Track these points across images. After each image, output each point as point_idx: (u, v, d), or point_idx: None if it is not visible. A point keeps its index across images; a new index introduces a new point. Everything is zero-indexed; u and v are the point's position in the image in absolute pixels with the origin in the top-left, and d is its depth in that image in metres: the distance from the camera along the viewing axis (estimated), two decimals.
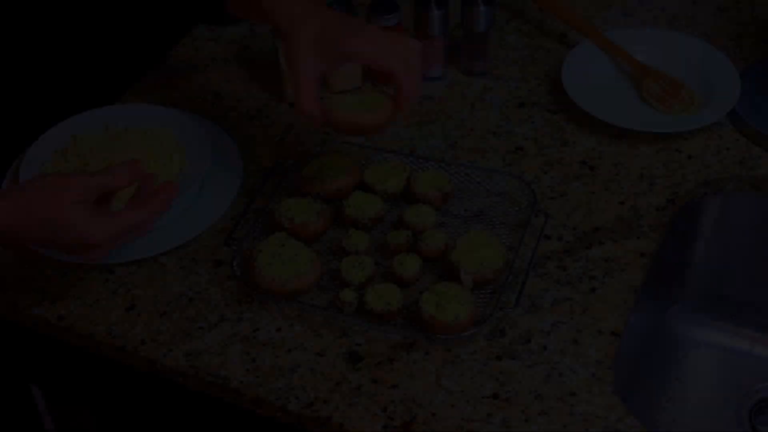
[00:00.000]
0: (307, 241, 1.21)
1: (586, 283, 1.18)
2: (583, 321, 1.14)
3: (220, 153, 1.33)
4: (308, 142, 1.38)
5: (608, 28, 1.55)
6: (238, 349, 1.12)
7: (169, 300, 1.18)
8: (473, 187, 1.30)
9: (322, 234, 1.23)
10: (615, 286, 1.18)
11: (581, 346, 1.11)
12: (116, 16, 1.40)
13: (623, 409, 1.05)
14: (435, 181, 1.26)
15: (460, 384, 1.08)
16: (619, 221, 1.25)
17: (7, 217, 1.00)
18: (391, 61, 1.10)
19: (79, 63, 1.47)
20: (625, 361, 1.26)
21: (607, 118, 1.35)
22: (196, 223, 1.25)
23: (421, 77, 1.13)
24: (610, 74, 1.47)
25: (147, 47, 1.54)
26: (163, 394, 1.20)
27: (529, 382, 1.08)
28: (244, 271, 1.18)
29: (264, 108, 1.45)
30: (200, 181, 1.28)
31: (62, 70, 1.47)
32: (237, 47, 1.56)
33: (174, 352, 1.13)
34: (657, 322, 1.41)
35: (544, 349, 1.11)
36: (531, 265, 1.17)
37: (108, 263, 1.22)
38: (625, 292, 1.17)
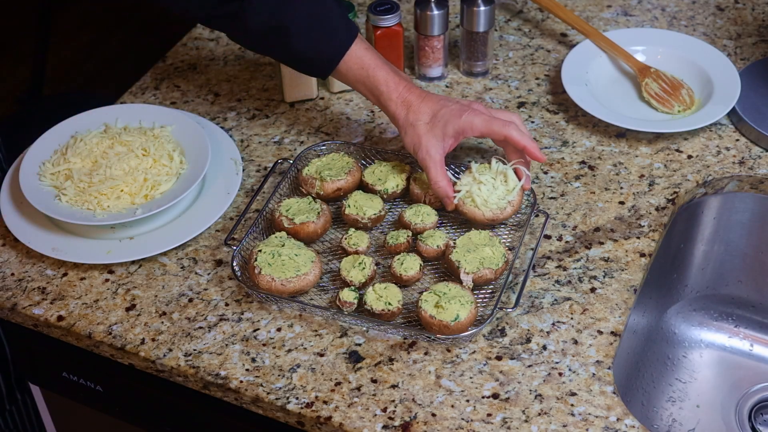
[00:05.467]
0: (307, 241, 1.21)
1: (586, 283, 1.18)
2: (583, 321, 1.14)
3: (220, 153, 1.33)
4: (308, 142, 1.38)
5: (608, 28, 1.56)
6: (238, 349, 1.12)
7: (169, 300, 1.18)
8: None
9: (322, 234, 1.23)
10: (615, 286, 1.18)
11: (581, 346, 1.11)
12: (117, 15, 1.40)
13: (623, 409, 1.05)
14: None
15: (460, 384, 1.08)
16: (619, 221, 1.25)
17: None
18: (506, 128, 1.19)
19: (79, 62, 1.47)
20: (625, 361, 1.26)
21: (607, 118, 1.35)
22: (196, 223, 1.25)
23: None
24: (610, 74, 1.47)
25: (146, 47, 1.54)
26: (163, 394, 1.20)
27: (529, 382, 1.08)
28: (244, 271, 1.18)
29: (264, 108, 1.45)
30: (200, 181, 1.28)
31: (63, 69, 1.47)
32: (237, 47, 1.56)
33: (174, 352, 1.13)
34: (657, 322, 1.41)
35: (544, 349, 1.11)
36: (531, 265, 1.17)
37: (108, 263, 1.22)
38: (625, 292, 1.17)
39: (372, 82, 1.22)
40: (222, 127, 1.40)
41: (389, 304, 1.12)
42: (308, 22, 1.20)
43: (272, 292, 1.14)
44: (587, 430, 1.03)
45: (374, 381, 1.09)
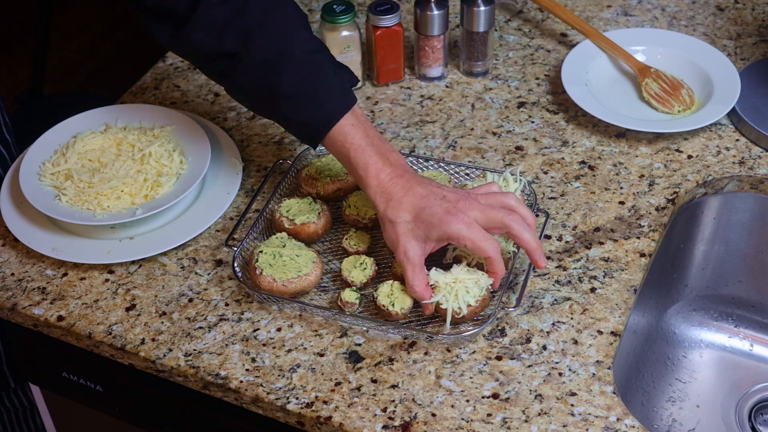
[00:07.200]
0: (307, 241, 1.21)
1: (586, 283, 1.18)
2: (583, 321, 1.14)
3: (220, 153, 1.33)
4: None
5: (608, 28, 1.56)
6: (238, 349, 1.12)
7: (169, 300, 1.18)
8: None
9: (322, 234, 1.23)
10: (615, 286, 1.18)
11: (581, 346, 1.11)
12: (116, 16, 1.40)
13: (623, 409, 1.05)
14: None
15: (460, 384, 1.08)
16: (619, 221, 1.25)
17: None
18: (488, 246, 1.09)
19: (79, 62, 1.47)
20: (625, 361, 1.26)
21: (607, 118, 1.35)
22: (196, 223, 1.25)
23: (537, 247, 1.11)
24: (610, 74, 1.47)
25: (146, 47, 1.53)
26: (163, 394, 1.20)
27: (529, 382, 1.08)
28: (245, 271, 1.18)
29: None
30: (200, 181, 1.28)
31: (63, 69, 1.47)
32: None
33: (174, 352, 1.13)
34: (657, 322, 1.41)
35: (544, 349, 1.11)
36: (531, 265, 1.17)
37: (108, 263, 1.22)
38: (625, 292, 1.17)
39: (352, 164, 1.14)
40: (222, 127, 1.40)
41: (390, 304, 1.12)
42: (299, 89, 1.13)
43: (274, 293, 1.14)
44: (587, 430, 1.03)
45: (374, 381, 1.09)
